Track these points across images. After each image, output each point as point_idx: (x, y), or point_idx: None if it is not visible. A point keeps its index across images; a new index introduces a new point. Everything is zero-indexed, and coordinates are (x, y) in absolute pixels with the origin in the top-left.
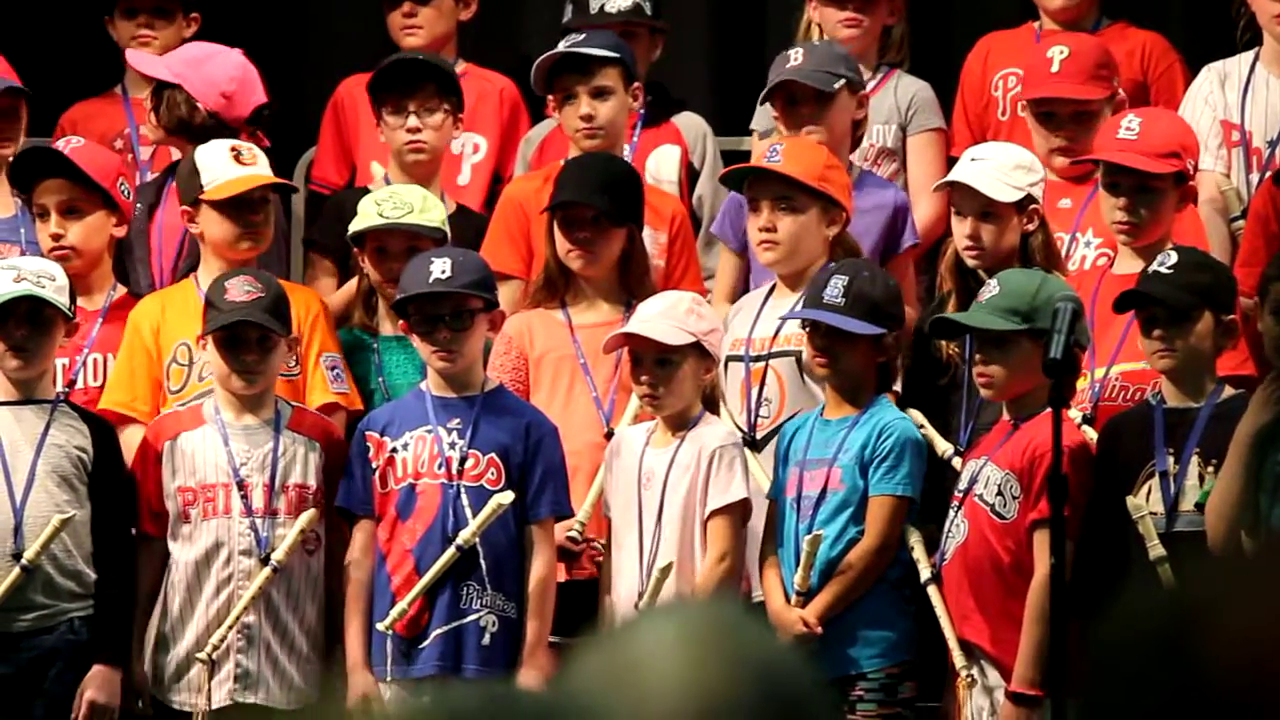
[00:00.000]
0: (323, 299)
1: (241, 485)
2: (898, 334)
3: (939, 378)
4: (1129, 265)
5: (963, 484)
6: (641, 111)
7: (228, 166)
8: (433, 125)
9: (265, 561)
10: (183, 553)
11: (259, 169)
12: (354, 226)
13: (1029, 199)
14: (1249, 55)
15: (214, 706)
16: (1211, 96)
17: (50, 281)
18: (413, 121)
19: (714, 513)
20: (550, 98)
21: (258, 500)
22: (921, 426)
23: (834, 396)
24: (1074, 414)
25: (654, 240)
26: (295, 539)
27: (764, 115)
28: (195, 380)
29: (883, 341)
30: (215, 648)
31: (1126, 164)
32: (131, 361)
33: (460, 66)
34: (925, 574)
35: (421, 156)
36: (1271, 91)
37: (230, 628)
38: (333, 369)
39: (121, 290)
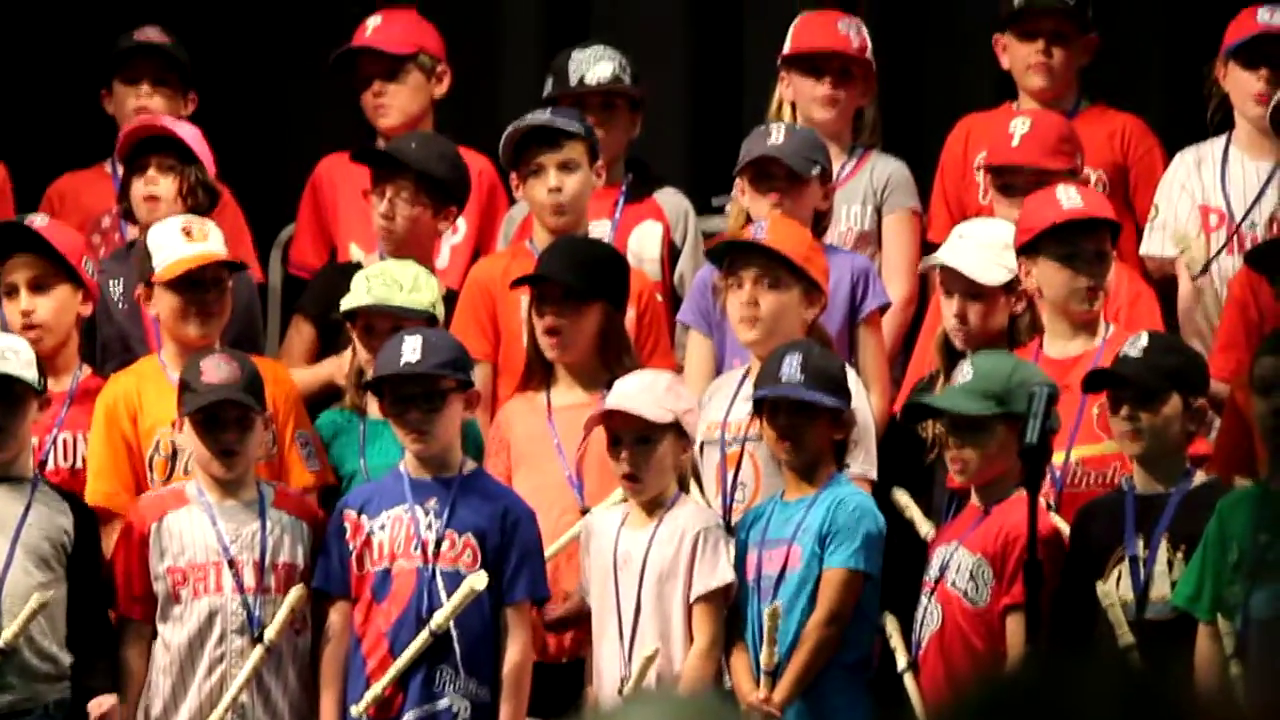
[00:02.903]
0: (289, 374)
1: (232, 563)
2: (852, 411)
3: (923, 456)
4: (1061, 347)
5: (934, 570)
6: (624, 188)
7: (178, 245)
8: (405, 215)
9: (257, 640)
10: (174, 634)
11: (209, 246)
12: (345, 304)
13: (1017, 279)
14: (1221, 139)
15: None
16: (1188, 182)
17: (15, 355)
18: (383, 207)
19: (700, 598)
20: (514, 174)
21: (249, 578)
22: (906, 508)
23: (793, 479)
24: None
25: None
26: (286, 617)
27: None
28: (181, 473)
29: (842, 417)
30: None
31: (1105, 216)
32: (111, 451)
33: None
34: (902, 663)
35: (390, 247)
36: (1248, 172)
37: (228, 709)
38: (305, 446)
39: (88, 370)
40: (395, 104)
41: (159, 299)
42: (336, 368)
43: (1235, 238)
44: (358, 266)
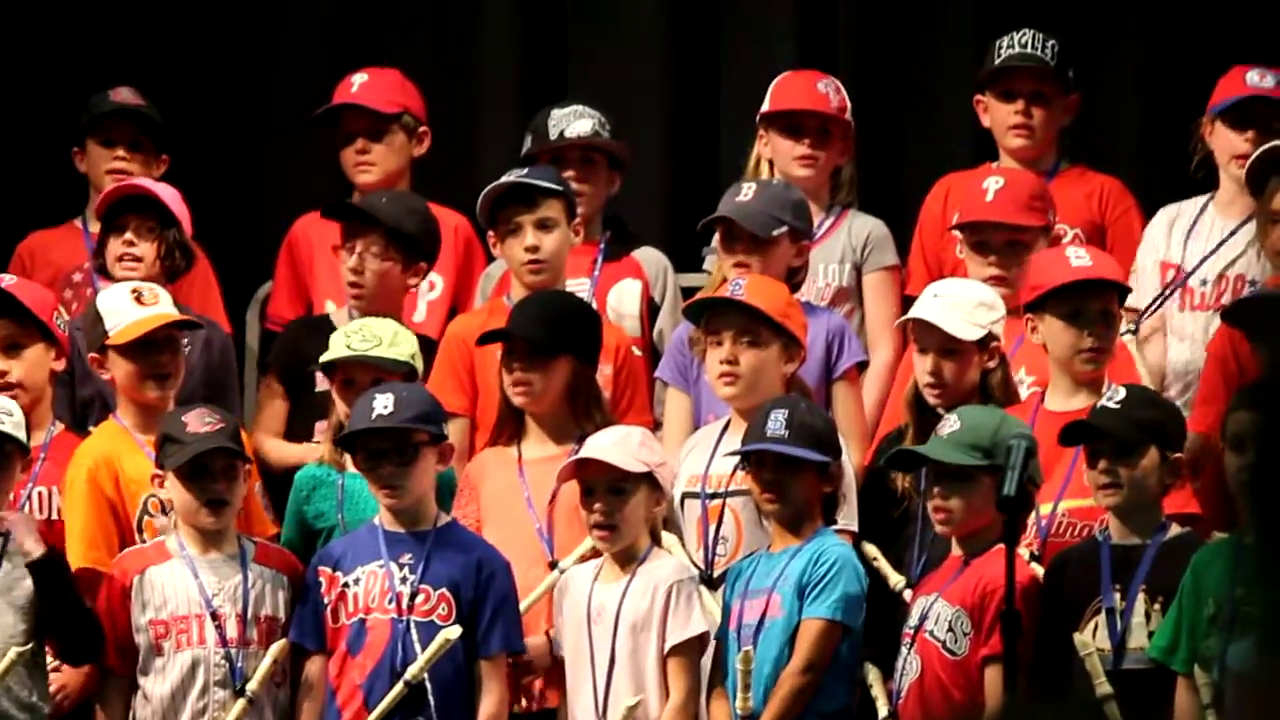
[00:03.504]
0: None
1: (215, 616)
2: (839, 465)
3: (892, 510)
4: (1064, 402)
5: (913, 620)
6: (603, 245)
7: (130, 309)
8: (375, 270)
9: (239, 693)
10: (155, 686)
11: (160, 308)
12: (324, 358)
13: (990, 336)
14: (1203, 199)
15: None
16: (1158, 239)
17: (9, 417)
18: (353, 262)
19: (674, 650)
20: (491, 233)
21: (231, 630)
22: (875, 559)
23: (779, 531)
24: (1022, 552)
25: (599, 372)
26: (268, 670)
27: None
28: (173, 529)
29: (828, 470)
30: None
31: (1109, 278)
32: (98, 515)
33: None
34: (883, 712)
35: (358, 302)
36: (1213, 233)
37: None
38: (263, 496)
39: (60, 426)
40: (377, 162)
41: (114, 364)
42: (310, 451)
43: (1182, 292)
44: (325, 320)
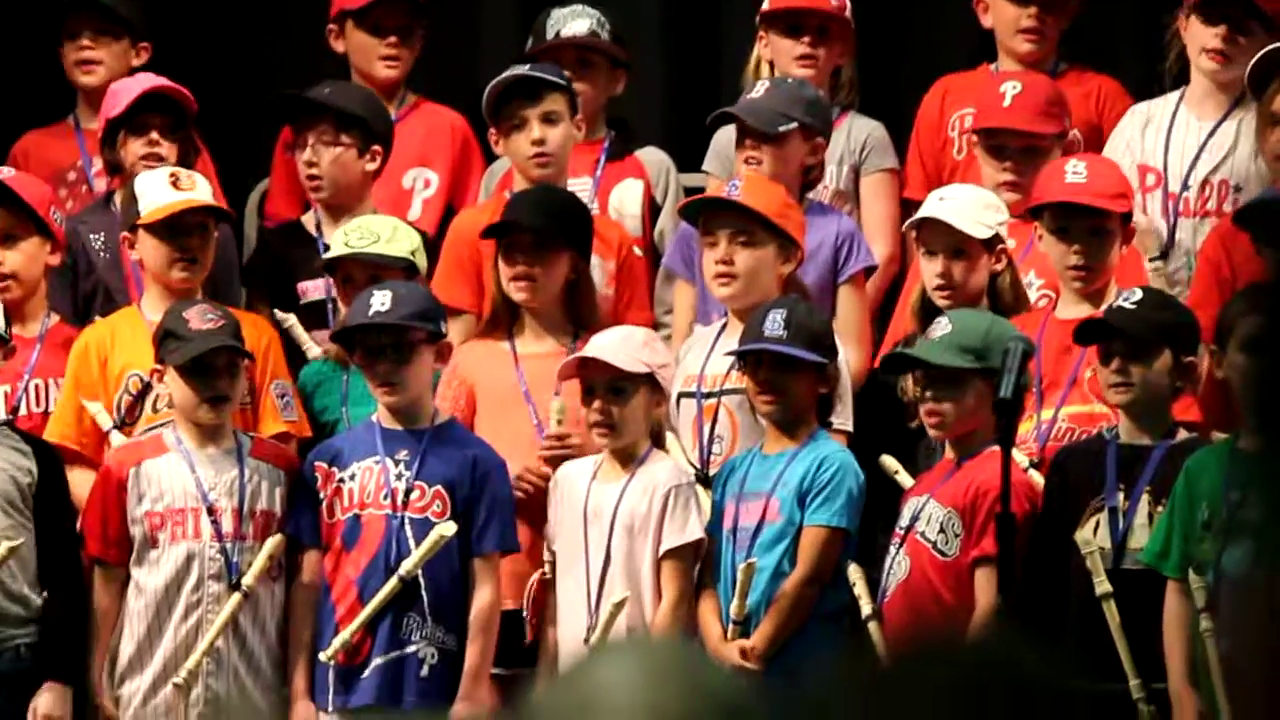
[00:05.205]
0: (271, 325)
1: (211, 510)
2: (836, 366)
3: (901, 420)
4: (1073, 309)
5: (904, 521)
6: (606, 145)
7: (165, 192)
8: (329, 159)
9: (234, 587)
10: (150, 578)
11: (196, 194)
12: (325, 256)
13: (997, 238)
14: (1174, 97)
15: None
16: (1131, 142)
17: None
18: (306, 155)
19: (669, 553)
20: (494, 130)
21: (227, 525)
22: (896, 472)
23: (774, 431)
24: (1020, 458)
25: (602, 269)
26: (263, 564)
27: (714, 156)
28: (149, 412)
29: (825, 371)
30: (191, 673)
31: (1089, 203)
32: (75, 397)
33: (410, 100)
34: (866, 610)
35: (319, 194)
36: (1190, 133)
37: (205, 653)
38: (282, 396)
39: (56, 318)
40: (403, 61)
41: (143, 244)
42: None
43: (1170, 202)
44: (295, 225)
